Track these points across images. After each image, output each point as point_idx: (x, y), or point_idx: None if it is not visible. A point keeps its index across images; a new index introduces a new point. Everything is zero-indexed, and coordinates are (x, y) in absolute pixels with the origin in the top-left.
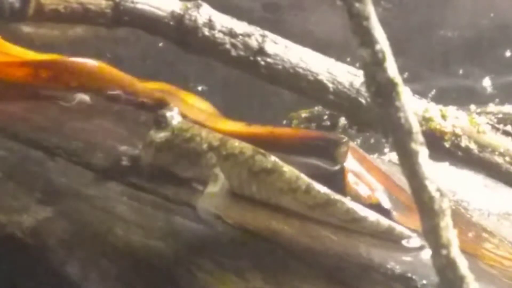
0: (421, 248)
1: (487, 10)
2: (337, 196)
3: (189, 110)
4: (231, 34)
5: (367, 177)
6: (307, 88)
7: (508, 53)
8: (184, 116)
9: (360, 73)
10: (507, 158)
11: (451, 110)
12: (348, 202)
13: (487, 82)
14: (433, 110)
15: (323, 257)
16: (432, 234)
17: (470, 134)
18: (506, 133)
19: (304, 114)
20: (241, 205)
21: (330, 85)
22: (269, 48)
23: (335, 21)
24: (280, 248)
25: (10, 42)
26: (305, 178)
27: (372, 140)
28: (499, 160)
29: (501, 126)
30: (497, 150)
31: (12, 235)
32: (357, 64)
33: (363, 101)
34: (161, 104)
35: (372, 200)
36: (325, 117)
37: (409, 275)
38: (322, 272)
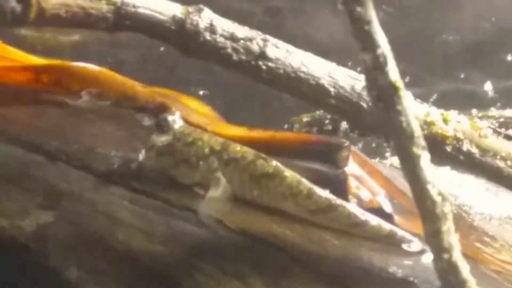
0: (422, 252)
1: (488, 14)
2: (339, 201)
3: (191, 114)
4: (233, 38)
5: (369, 181)
6: (308, 92)
7: (509, 57)
8: (185, 120)
9: (362, 77)
10: (509, 162)
11: (453, 114)
12: (350, 207)
13: (488, 86)
14: (435, 114)
15: (324, 261)
16: (433, 238)
17: (472, 138)
18: (507, 137)
19: (305, 118)
20: (243, 209)
21: (331, 89)
22: (271, 52)
23: (337, 26)
24: (281, 253)
25: (12, 46)
26: (306, 183)
27: (374, 144)
28: (501, 164)
29: (502, 130)
30: (499, 154)
31: (13, 239)
32: (359, 68)
33: (364, 105)
34: (162, 108)
35: (374, 204)
36: (327, 121)
37: (411, 279)
38: (323, 277)
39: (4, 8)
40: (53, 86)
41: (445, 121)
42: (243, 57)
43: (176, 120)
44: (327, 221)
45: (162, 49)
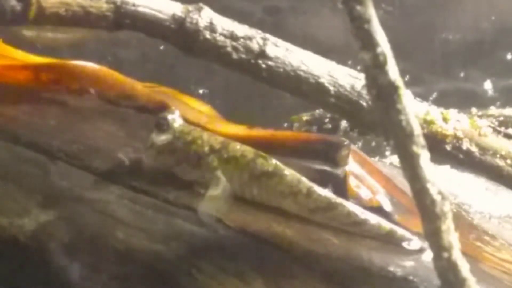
0: (422, 251)
1: (488, 13)
2: (338, 200)
3: (190, 113)
4: (232, 37)
5: (369, 180)
6: (308, 91)
7: (509, 56)
8: (185, 119)
9: (361, 76)
10: (509, 161)
11: (453, 113)
12: (349, 205)
13: (488, 85)
14: (434, 113)
15: (324, 260)
16: (433, 237)
17: (472, 137)
18: (507, 136)
19: (305, 117)
20: (242, 208)
21: (331, 88)
22: (270, 51)
23: (336, 24)
24: (281, 251)
25: (11, 45)
26: (306, 182)
27: (373, 143)
28: (501, 163)
29: (502, 129)
30: (499, 153)
31: (13, 238)
32: (358, 67)
33: (364, 104)
34: (162, 107)
35: (374, 203)
36: (326, 120)
37: (411, 278)
38: (323, 275)
39: (4, 6)
40: (52, 85)
41: (445, 120)
42: (243, 56)
43: (175, 119)
44: (327, 220)
45: (162, 48)
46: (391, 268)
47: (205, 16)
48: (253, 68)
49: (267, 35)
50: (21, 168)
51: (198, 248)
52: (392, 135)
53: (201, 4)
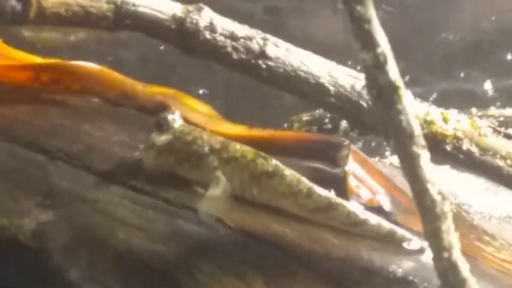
0: (422, 251)
1: (488, 13)
2: (339, 200)
3: (191, 113)
4: (233, 37)
5: (369, 180)
6: (308, 91)
7: (509, 56)
8: (185, 119)
9: (362, 76)
10: (509, 161)
11: (453, 113)
12: (350, 206)
13: (488, 85)
14: (435, 113)
15: (324, 260)
16: (433, 237)
17: (472, 137)
18: (507, 136)
19: (305, 117)
20: (243, 208)
21: (331, 88)
22: (271, 51)
23: (337, 24)
24: (281, 252)
25: (11, 45)
26: (306, 182)
27: (373, 143)
28: (501, 163)
29: (502, 129)
30: (499, 153)
31: (13, 238)
32: (359, 67)
33: (364, 104)
34: (162, 107)
35: (374, 203)
36: (327, 120)
37: (411, 278)
38: (323, 276)
39: (4, 7)
40: (53, 85)
41: (445, 120)
42: (243, 56)
43: (176, 119)
44: (327, 220)
45: (162, 48)
46: (391, 268)
47: (205, 16)
48: (253, 68)
49: (267, 35)
50: (21, 168)
51: (198, 248)
52: (392, 135)
53: (201, 4)
